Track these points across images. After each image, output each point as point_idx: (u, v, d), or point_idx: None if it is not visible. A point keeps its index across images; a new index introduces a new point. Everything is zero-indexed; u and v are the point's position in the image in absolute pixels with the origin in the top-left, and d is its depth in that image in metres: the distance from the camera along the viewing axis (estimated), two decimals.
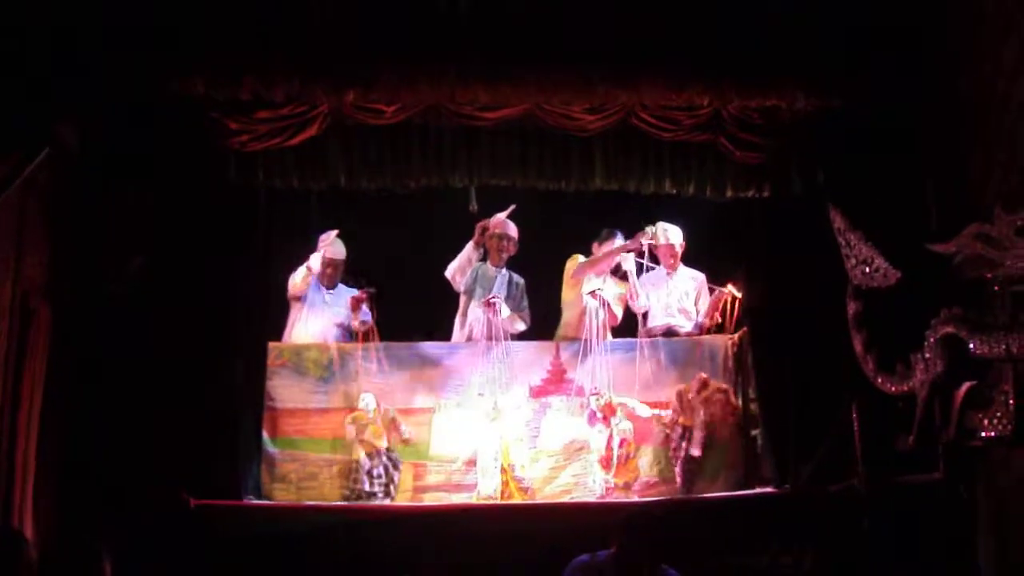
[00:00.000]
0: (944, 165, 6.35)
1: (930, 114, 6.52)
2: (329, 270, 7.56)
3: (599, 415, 6.87)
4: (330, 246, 7.53)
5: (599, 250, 7.66)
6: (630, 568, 4.83)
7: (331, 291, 7.57)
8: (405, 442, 6.88)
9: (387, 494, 6.77)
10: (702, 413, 6.92)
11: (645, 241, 7.49)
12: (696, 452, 6.87)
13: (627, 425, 6.87)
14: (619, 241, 7.56)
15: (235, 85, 6.42)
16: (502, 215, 7.56)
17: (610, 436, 6.82)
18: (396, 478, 6.83)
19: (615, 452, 6.77)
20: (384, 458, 6.80)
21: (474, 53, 6.55)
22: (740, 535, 5.95)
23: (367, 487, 6.72)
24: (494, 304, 7.25)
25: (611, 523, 5.01)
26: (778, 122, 6.76)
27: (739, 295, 7.49)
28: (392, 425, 6.87)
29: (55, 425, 5.89)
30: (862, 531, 5.92)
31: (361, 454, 6.78)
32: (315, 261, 7.40)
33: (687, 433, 6.91)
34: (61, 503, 5.90)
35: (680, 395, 7.03)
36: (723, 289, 7.59)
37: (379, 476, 6.76)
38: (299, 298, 7.49)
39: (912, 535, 5.67)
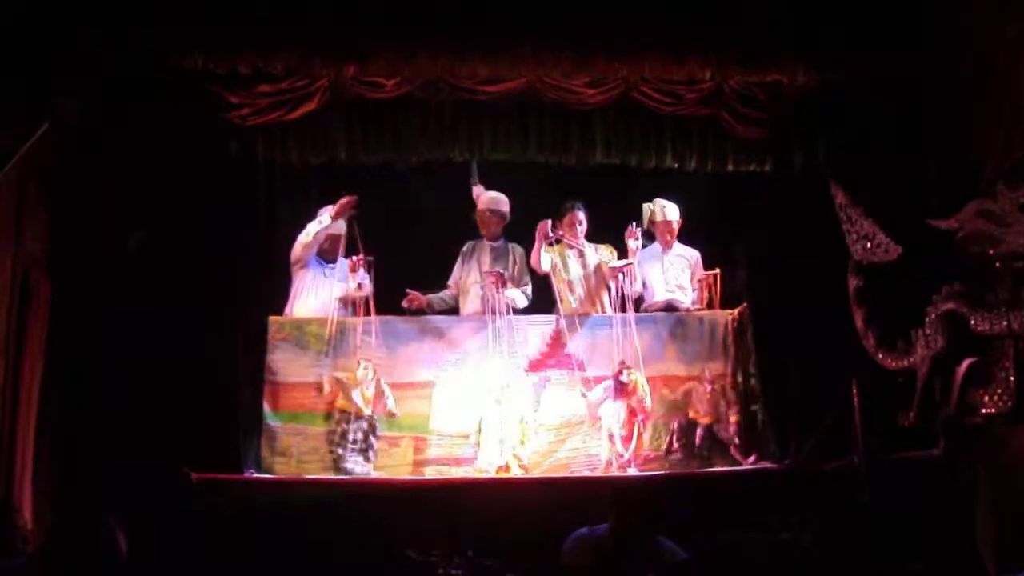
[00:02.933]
0: (946, 140, 6.34)
1: (931, 89, 6.51)
2: (328, 244, 7.52)
3: (629, 387, 6.73)
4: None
5: (561, 225, 7.50)
6: (626, 542, 4.79)
7: (331, 265, 7.54)
8: (389, 415, 6.77)
9: (366, 459, 6.69)
10: (722, 403, 6.92)
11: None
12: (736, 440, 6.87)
13: (647, 400, 6.80)
14: (581, 214, 7.50)
15: (235, 59, 6.43)
16: (479, 190, 7.52)
17: (629, 410, 6.75)
18: (374, 444, 6.75)
19: (636, 427, 6.70)
20: (364, 423, 6.73)
21: (473, 26, 6.55)
22: (740, 510, 5.95)
23: (340, 451, 6.65)
24: (501, 276, 7.18)
25: (605, 498, 4.98)
26: (780, 97, 6.78)
27: (717, 272, 7.50)
28: (379, 395, 6.80)
29: (56, 399, 5.90)
30: (862, 507, 5.95)
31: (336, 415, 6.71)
32: (319, 222, 7.30)
33: (692, 427, 6.90)
34: (62, 477, 5.92)
35: (689, 393, 7.00)
36: (706, 272, 7.61)
37: (355, 441, 6.72)
38: (303, 264, 7.39)
39: (911, 511, 5.69)
